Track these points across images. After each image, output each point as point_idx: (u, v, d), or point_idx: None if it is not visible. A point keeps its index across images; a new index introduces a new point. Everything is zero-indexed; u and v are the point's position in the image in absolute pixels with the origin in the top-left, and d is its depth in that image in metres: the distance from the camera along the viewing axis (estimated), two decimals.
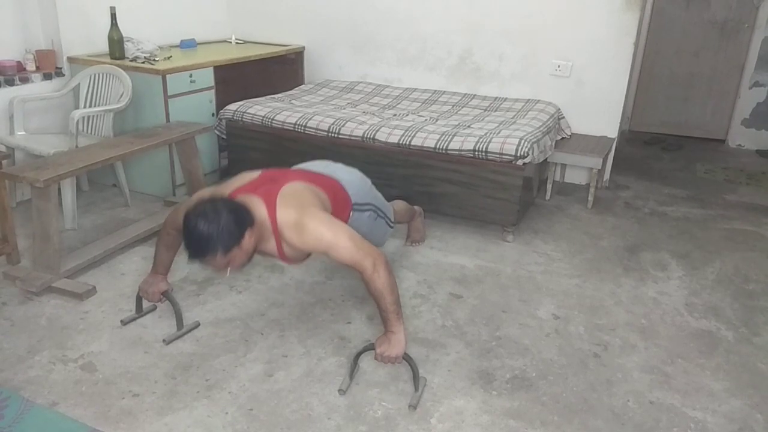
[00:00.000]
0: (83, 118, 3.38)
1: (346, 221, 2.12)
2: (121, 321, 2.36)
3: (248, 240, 1.86)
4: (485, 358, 2.23)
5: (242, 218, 1.85)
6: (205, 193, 2.08)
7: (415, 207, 3.08)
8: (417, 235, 3.10)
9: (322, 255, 2.05)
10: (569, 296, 2.68)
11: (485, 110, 3.81)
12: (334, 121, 3.40)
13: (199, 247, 1.81)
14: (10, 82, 3.28)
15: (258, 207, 1.93)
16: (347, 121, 3.40)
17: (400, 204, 2.88)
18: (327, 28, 4.48)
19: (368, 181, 2.47)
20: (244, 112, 3.61)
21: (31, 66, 3.42)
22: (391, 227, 2.60)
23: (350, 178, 2.33)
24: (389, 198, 3.19)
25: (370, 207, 2.38)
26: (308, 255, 2.13)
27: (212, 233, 1.78)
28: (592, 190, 3.67)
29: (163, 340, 2.25)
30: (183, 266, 2.77)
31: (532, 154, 3.03)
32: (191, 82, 3.58)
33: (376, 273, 1.88)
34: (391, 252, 3.00)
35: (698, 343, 2.37)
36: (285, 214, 1.93)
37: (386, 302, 1.91)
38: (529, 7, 3.89)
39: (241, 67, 4.12)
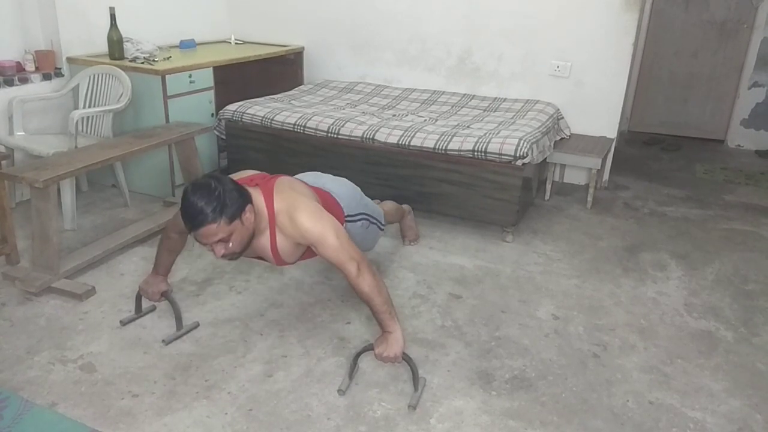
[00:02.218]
0: (82, 118, 3.38)
1: None
2: (121, 321, 2.36)
3: (249, 216, 1.86)
4: (485, 358, 2.23)
5: (244, 193, 1.87)
6: None
7: (404, 206, 3.08)
8: (411, 233, 3.10)
9: (311, 255, 2.09)
10: (568, 296, 2.68)
11: (484, 110, 3.82)
12: (334, 122, 3.40)
13: (202, 211, 1.75)
14: (9, 83, 3.28)
15: (256, 196, 1.95)
16: (347, 122, 3.40)
17: (389, 204, 2.90)
18: (326, 29, 4.48)
19: (358, 190, 2.49)
20: (244, 113, 3.61)
21: (30, 66, 3.42)
22: (382, 230, 2.62)
23: (341, 190, 2.34)
24: (387, 198, 3.20)
25: (362, 216, 2.40)
26: (299, 256, 2.14)
27: (218, 197, 1.76)
28: (591, 190, 3.67)
29: (163, 341, 2.25)
30: (183, 267, 2.77)
31: (532, 154, 3.03)
32: (191, 82, 3.58)
33: (360, 276, 1.91)
34: (389, 253, 3.01)
35: (697, 344, 2.37)
36: (280, 201, 1.96)
37: (376, 304, 1.93)
38: (529, 8, 3.89)
39: (240, 68, 4.12)
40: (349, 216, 2.29)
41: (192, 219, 1.79)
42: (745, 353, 2.32)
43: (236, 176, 2.08)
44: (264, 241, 2.00)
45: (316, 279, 2.76)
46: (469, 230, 3.30)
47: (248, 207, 1.86)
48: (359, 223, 2.36)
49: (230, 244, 1.86)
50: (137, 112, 3.49)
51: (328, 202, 2.19)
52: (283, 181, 2.07)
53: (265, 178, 2.08)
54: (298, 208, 1.95)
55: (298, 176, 2.40)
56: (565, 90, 3.93)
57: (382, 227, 2.61)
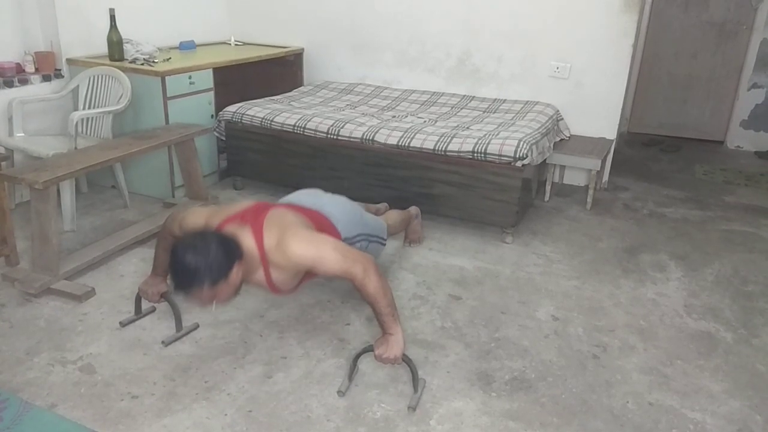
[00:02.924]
0: (82, 119, 3.38)
1: None
2: (120, 323, 2.36)
3: (236, 274, 1.86)
4: (484, 359, 2.23)
5: (231, 252, 1.85)
6: (199, 218, 2.08)
7: (411, 209, 3.08)
8: (414, 235, 3.10)
9: (311, 276, 2.08)
10: (568, 298, 2.68)
11: (484, 112, 3.82)
12: (334, 123, 3.41)
13: (185, 279, 1.80)
14: (9, 84, 3.28)
15: (246, 236, 1.94)
16: (346, 123, 3.40)
17: (394, 216, 2.87)
18: (326, 30, 4.48)
19: (357, 208, 2.47)
20: (244, 114, 3.62)
21: (30, 67, 3.43)
22: (383, 245, 2.61)
23: (338, 212, 2.31)
24: (387, 200, 3.21)
25: (361, 237, 2.38)
26: (298, 282, 2.13)
27: (200, 266, 1.77)
28: (590, 191, 3.67)
29: (162, 342, 2.25)
30: None
31: (531, 155, 3.03)
32: (190, 83, 3.58)
33: (367, 278, 1.89)
34: (389, 253, 3.00)
35: (697, 345, 2.37)
36: (269, 238, 1.94)
37: (381, 305, 1.92)
38: (528, 9, 3.89)
39: (240, 69, 4.12)
40: (346, 239, 2.26)
41: (178, 281, 1.83)
42: (745, 354, 2.33)
43: (228, 211, 2.06)
44: (259, 277, 2.00)
45: (315, 280, 2.75)
46: (469, 231, 3.30)
47: (235, 267, 1.85)
48: (357, 245, 2.33)
49: (214, 301, 1.89)
50: (137, 113, 3.49)
51: (323, 225, 2.18)
52: (273, 215, 2.04)
53: (257, 212, 2.04)
54: (288, 239, 1.92)
55: (296, 195, 2.40)
56: (564, 91, 3.94)
57: (384, 242, 2.60)
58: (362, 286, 1.90)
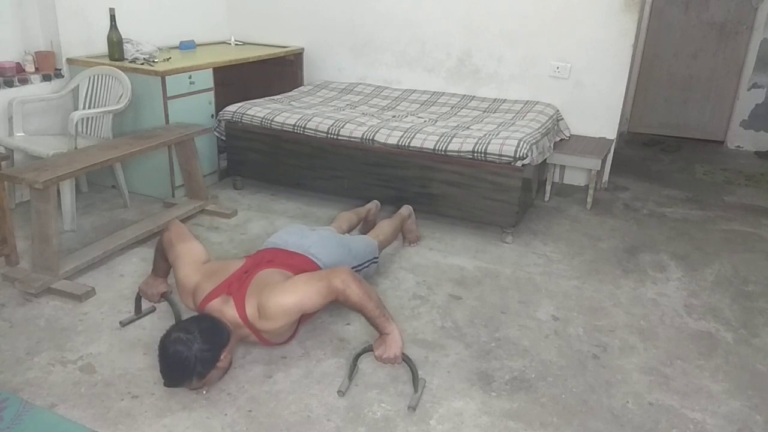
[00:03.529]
0: (82, 119, 3.38)
1: None
2: (120, 322, 2.36)
3: (224, 359, 1.93)
4: (484, 359, 2.23)
5: (218, 340, 1.90)
6: (194, 273, 2.10)
7: (402, 210, 3.08)
8: (411, 235, 3.10)
9: (307, 318, 2.15)
10: (568, 297, 2.68)
11: (484, 112, 3.82)
12: (334, 123, 3.40)
13: (174, 377, 1.87)
14: (9, 84, 3.28)
15: (230, 310, 1.98)
16: (346, 123, 3.40)
17: (384, 230, 2.85)
18: (326, 30, 4.48)
19: (343, 244, 2.47)
20: (244, 114, 3.62)
21: (30, 67, 3.42)
22: (376, 263, 2.64)
23: (326, 254, 2.31)
24: (387, 199, 3.21)
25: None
26: (295, 330, 2.17)
27: (187, 364, 1.82)
28: (591, 191, 3.67)
29: None
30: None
31: (531, 155, 3.03)
32: (190, 83, 3.58)
33: (347, 289, 1.91)
34: (389, 254, 3.00)
35: (697, 345, 2.37)
36: (250, 309, 1.98)
37: (368, 309, 1.93)
38: (528, 9, 3.89)
39: (240, 69, 4.12)
40: None
41: (168, 379, 1.89)
42: (745, 354, 2.32)
43: (216, 277, 2.06)
44: (253, 339, 2.07)
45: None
46: (469, 231, 3.30)
47: (222, 354, 1.91)
48: None
49: (206, 386, 1.96)
50: (137, 113, 3.49)
51: (310, 270, 2.19)
52: (257, 281, 2.04)
53: (240, 281, 2.04)
54: (266, 302, 1.93)
55: (281, 234, 2.41)
56: (564, 91, 3.94)
57: (376, 260, 2.64)
58: (346, 298, 1.92)
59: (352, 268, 2.35)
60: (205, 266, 2.15)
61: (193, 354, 1.82)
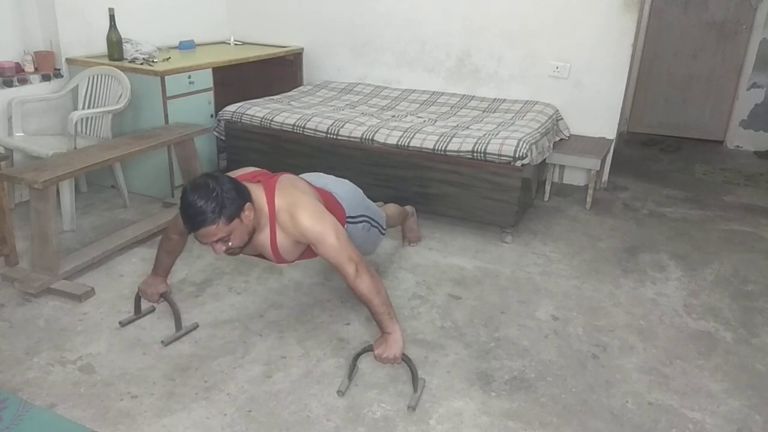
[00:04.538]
0: (82, 119, 3.38)
1: None
2: (120, 322, 2.36)
3: (248, 214, 1.86)
4: (484, 359, 2.23)
5: (243, 192, 1.86)
6: None
7: (407, 207, 3.09)
8: (412, 234, 3.10)
9: (310, 255, 2.09)
10: (568, 297, 2.68)
11: (484, 111, 3.82)
12: (333, 123, 3.40)
13: (200, 214, 1.76)
14: (8, 84, 3.28)
15: (258, 193, 1.95)
16: (346, 122, 3.40)
17: (392, 208, 2.89)
18: (326, 30, 4.48)
19: (360, 192, 2.48)
20: (243, 114, 3.62)
21: (29, 67, 3.42)
22: (383, 234, 2.62)
23: (343, 191, 2.33)
24: (386, 199, 3.21)
25: (364, 218, 2.39)
26: (298, 255, 2.13)
27: (216, 197, 1.76)
28: (590, 191, 3.67)
29: (162, 342, 2.25)
30: (182, 268, 2.77)
31: (531, 155, 3.03)
32: (190, 83, 3.58)
33: (359, 278, 1.90)
34: (389, 253, 3.01)
35: (697, 344, 2.37)
36: (282, 198, 1.95)
37: (375, 305, 1.93)
38: (528, 9, 3.89)
39: (239, 69, 4.12)
40: (350, 217, 2.28)
41: (191, 220, 1.80)
42: (745, 354, 2.33)
43: (239, 173, 2.08)
44: (264, 237, 2.00)
45: (315, 280, 2.76)
46: (469, 231, 3.30)
47: (247, 205, 1.86)
48: (360, 225, 2.36)
49: (230, 243, 1.87)
50: (136, 113, 3.49)
51: (329, 202, 2.19)
52: (285, 179, 2.07)
53: (267, 174, 2.08)
54: (299, 206, 1.95)
55: (301, 176, 2.40)
56: (564, 91, 3.94)
57: (383, 231, 2.61)
58: (355, 285, 1.91)
59: (362, 216, 2.37)
60: None
61: (221, 192, 1.77)
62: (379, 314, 1.93)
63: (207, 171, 2.08)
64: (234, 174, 2.07)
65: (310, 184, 2.20)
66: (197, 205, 1.77)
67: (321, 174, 2.44)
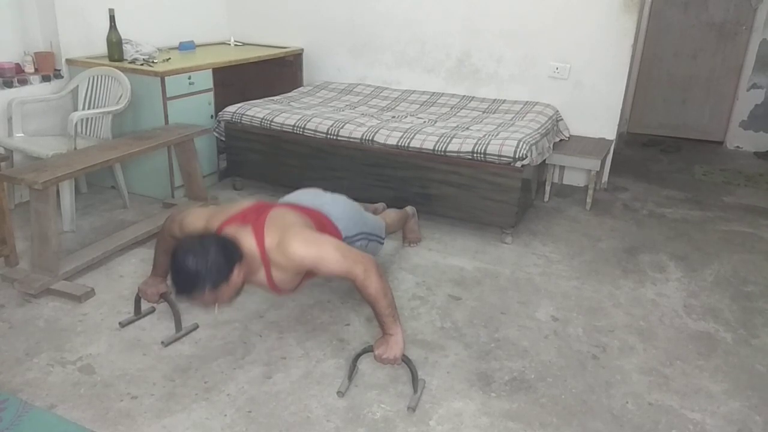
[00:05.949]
0: (82, 120, 3.38)
1: None
2: (120, 323, 2.36)
3: (237, 275, 1.86)
4: (484, 360, 2.23)
5: (231, 254, 1.85)
6: (199, 219, 2.07)
7: (407, 208, 3.09)
8: (412, 235, 3.11)
9: (312, 276, 2.07)
10: (568, 298, 2.68)
11: (484, 112, 3.82)
12: (333, 123, 3.41)
13: (186, 283, 1.80)
14: (8, 84, 3.28)
15: (246, 237, 1.93)
16: (346, 123, 3.40)
17: (392, 215, 2.88)
18: (326, 31, 4.48)
19: (357, 208, 2.47)
20: (243, 114, 3.62)
21: (29, 68, 3.43)
22: (382, 244, 2.62)
23: (339, 211, 2.32)
24: (386, 200, 3.21)
25: (361, 236, 2.39)
26: (299, 282, 2.12)
27: (200, 270, 1.77)
28: (590, 192, 3.67)
29: (162, 342, 2.25)
30: None
31: (531, 156, 3.03)
32: (190, 84, 3.58)
33: (368, 279, 1.89)
34: (389, 254, 3.01)
35: (697, 345, 2.37)
36: (271, 237, 1.94)
37: (381, 306, 1.92)
38: (528, 9, 3.89)
39: (239, 69, 4.12)
40: (347, 238, 2.27)
41: (179, 287, 1.83)
42: (745, 355, 2.33)
43: (230, 211, 2.05)
44: (260, 277, 2.00)
45: (315, 281, 2.75)
46: (469, 232, 3.30)
47: (236, 269, 1.85)
48: (358, 243, 2.34)
49: (217, 303, 1.91)
50: (136, 113, 3.49)
51: (324, 225, 2.18)
52: (274, 215, 2.04)
53: (258, 212, 2.04)
54: (289, 239, 1.92)
55: (296, 194, 2.40)
56: (564, 92, 3.94)
57: (382, 241, 2.61)
58: (363, 287, 1.90)
59: (361, 233, 2.37)
60: (208, 210, 2.13)
61: (207, 261, 1.77)
62: (384, 315, 1.93)
63: (205, 213, 2.04)
64: (226, 214, 2.04)
65: (302, 207, 2.19)
66: (185, 274, 1.79)
67: (319, 191, 2.44)
